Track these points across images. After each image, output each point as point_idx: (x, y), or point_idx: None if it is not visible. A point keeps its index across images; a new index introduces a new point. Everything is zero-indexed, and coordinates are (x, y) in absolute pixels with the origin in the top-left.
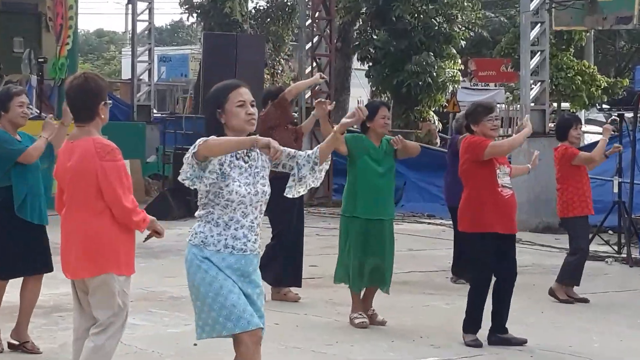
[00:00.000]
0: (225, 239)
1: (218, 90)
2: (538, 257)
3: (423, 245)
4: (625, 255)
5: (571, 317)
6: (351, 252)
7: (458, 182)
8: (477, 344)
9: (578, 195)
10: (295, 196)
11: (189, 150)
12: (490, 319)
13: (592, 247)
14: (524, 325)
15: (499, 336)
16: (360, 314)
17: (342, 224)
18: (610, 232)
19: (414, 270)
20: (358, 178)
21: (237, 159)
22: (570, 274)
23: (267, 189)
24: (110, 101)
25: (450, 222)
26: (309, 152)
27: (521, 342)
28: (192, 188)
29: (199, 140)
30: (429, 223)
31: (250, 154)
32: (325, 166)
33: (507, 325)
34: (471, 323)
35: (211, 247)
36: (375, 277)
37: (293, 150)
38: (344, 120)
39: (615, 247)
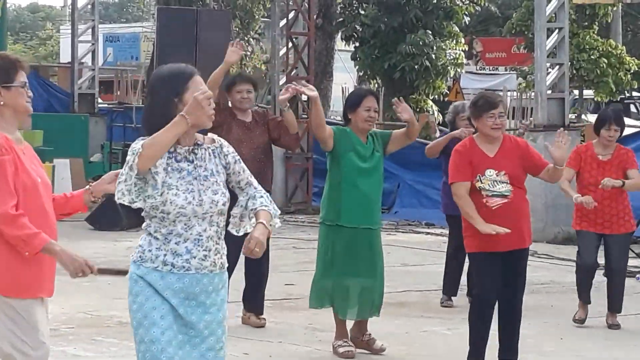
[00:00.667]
0: (165, 255)
1: (174, 75)
2: (557, 273)
3: (420, 259)
4: None
5: (596, 345)
6: (334, 269)
7: None
8: None
9: (577, 206)
10: (240, 234)
11: (126, 161)
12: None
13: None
14: (541, 355)
15: None
16: (345, 342)
17: (323, 234)
18: None
19: (409, 289)
20: (343, 179)
21: (178, 160)
22: (578, 290)
23: (221, 198)
24: (26, 86)
25: None
26: (256, 203)
27: None
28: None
29: (135, 145)
30: (427, 233)
31: (196, 152)
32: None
33: (523, 355)
34: (473, 349)
35: (148, 263)
36: (366, 302)
37: (247, 181)
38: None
39: None
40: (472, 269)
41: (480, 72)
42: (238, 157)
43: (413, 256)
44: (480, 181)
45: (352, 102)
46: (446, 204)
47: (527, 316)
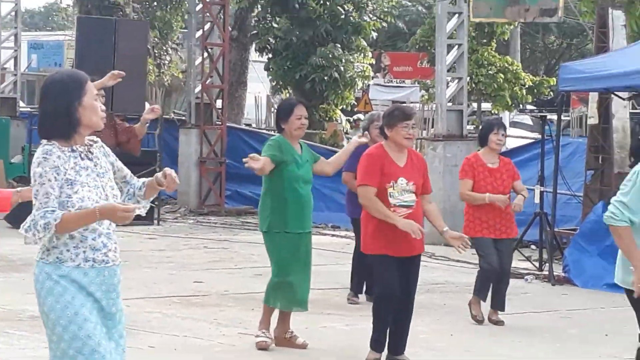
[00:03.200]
0: (84, 252)
1: (73, 81)
2: (452, 274)
3: (325, 260)
4: (547, 273)
5: (485, 341)
6: (283, 270)
7: None
8: None
9: (474, 215)
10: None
11: (36, 219)
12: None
13: (512, 264)
14: (432, 350)
15: (393, 357)
16: (264, 333)
17: (270, 242)
18: (533, 246)
19: (313, 287)
20: (286, 189)
21: (82, 158)
22: (475, 289)
23: (118, 192)
24: None
25: None
26: (139, 183)
27: None
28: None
29: (47, 217)
30: (333, 235)
31: (92, 150)
32: (148, 204)
33: (415, 349)
34: (375, 339)
35: (69, 262)
36: (302, 296)
37: (129, 174)
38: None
39: (537, 264)
40: (373, 269)
41: (387, 84)
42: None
43: (318, 257)
44: (393, 187)
45: (284, 112)
46: (350, 209)
47: (421, 314)
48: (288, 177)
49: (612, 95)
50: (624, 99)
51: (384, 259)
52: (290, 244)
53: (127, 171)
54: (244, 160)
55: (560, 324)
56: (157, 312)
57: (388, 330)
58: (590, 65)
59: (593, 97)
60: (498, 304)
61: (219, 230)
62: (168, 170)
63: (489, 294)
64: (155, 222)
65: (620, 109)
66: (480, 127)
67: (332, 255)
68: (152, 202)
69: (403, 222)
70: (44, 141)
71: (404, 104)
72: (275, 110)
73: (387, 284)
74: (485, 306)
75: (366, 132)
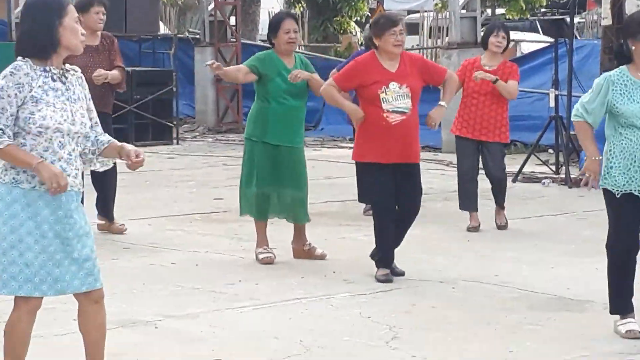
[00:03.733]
0: None
1: (55, 1)
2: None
3: (343, 172)
4: (563, 176)
5: (501, 246)
6: (256, 179)
7: None
8: (388, 279)
9: (459, 112)
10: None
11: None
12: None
13: (528, 168)
14: (450, 256)
15: None
16: (265, 249)
17: (247, 149)
18: (550, 150)
19: (330, 200)
20: (270, 100)
21: (54, 80)
22: (460, 198)
23: (88, 121)
24: None
25: None
26: (104, 138)
27: (399, 274)
28: None
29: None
30: (351, 148)
31: (66, 75)
32: (111, 163)
33: (432, 256)
34: (381, 255)
35: (25, 184)
36: (297, 211)
37: (96, 119)
38: None
39: (553, 167)
40: (358, 176)
41: None
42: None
43: (337, 170)
44: (385, 92)
45: (273, 27)
46: None
47: (438, 222)
48: (272, 89)
49: None
50: None
51: (374, 166)
52: (267, 154)
53: (95, 116)
54: (207, 63)
55: (576, 225)
56: (179, 230)
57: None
58: None
59: None
60: (497, 201)
61: (238, 148)
62: (141, 155)
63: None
64: (175, 141)
65: (634, 9)
66: (485, 29)
67: (350, 167)
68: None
69: (357, 110)
70: (19, 58)
71: (390, 12)
72: (268, 26)
73: (375, 196)
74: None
75: None
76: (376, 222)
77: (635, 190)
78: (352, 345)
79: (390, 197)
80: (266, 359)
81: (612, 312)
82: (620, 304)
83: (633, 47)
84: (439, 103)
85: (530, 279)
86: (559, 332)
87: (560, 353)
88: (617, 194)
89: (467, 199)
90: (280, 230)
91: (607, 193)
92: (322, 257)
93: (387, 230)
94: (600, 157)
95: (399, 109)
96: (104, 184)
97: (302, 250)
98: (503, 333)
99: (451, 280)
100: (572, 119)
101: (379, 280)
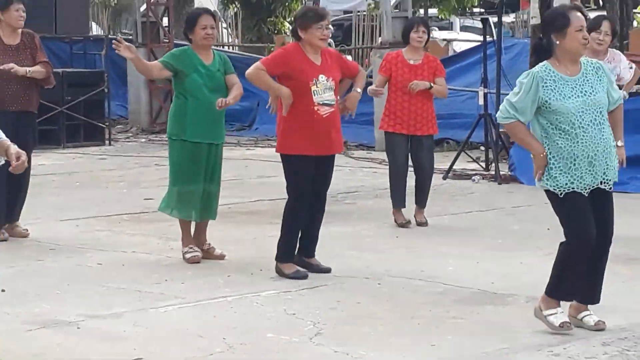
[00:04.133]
0: None
1: None
2: None
3: (275, 171)
4: (493, 172)
5: (429, 241)
6: (179, 178)
7: None
8: (302, 275)
9: (388, 109)
10: None
11: None
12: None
13: (459, 165)
14: (377, 252)
15: (304, 259)
16: (192, 248)
17: (171, 149)
18: (482, 148)
19: (262, 198)
20: (188, 97)
21: None
22: (391, 194)
23: None
24: None
25: None
26: None
27: (324, 271)
28: None
29: None
30: None
31: None
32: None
33: (360, 252)
34: (287, 251)
35: None
36: (207, 206)
37: None
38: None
39: (483, 164)
40: (285, 169)
41: None
42: None
43: (269, 169)
44: (316, 85)
45: (190, 23)
46: None
47: (368, 218)
48: (189, 86)
49: None
50: None
51: (300, 159)
52: (188, 152)
53: None
54: (113, 45)
55: (504, 221)
56: (107, 230)
57: (300, 234)
58: None
59: None
60: (421, 200)
61: None
62: (23, 156)
63: (413, 191)
64: (107, 142)
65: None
66: (405, 25)
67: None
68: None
69: (281, 88)
70: None
71: (317, 6)
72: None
73: (303, 186)
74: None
75: None
76: (291, 215)
77: (578, 189)
78: (275, 342)
79: (309, 190)
80: (188, 356)
81: (553, 295)
82: (563, 291)
83: (557, 42)
84: (355, 89)
85: (456, 274)
86: (481, 326)
87: (481, 346)
88: (560, 195)
89: (401, 195)
90: (210, 228)
91: (549, 193)
92: (220, 257)
93: (298, 222)
94: (545, 152)
95: (327, 102)
96: (15, 184)
97: (201, 250)
98: (426, 327)
99: (378, 276)
100: (500, 121)
101: (290, 277)
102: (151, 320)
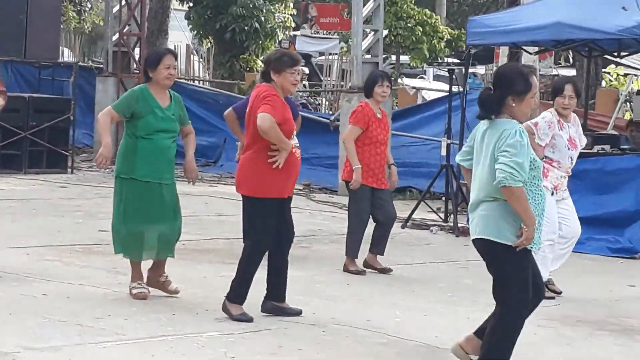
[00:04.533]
0: None
1: None
2: None
3: (235, 209)
4: (452, 224)
5: (379, 290)
6: (127, 218)
7: None
8: (247, 318)
9: (360, 161)
10: None
11: None
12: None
13: (420, 215)
14: (326, 300)
15: (275, 304)
16: (139, 284)
17: (117, 187)
18: (443, 199)
19: (218, 237)
20: (139, 137)
21: None
22: (349, 243)
23: None
24: None
25: None
26: None
27: (296, 313)
28: None
29: None
30: None
31: None
32: None
33: (310, 298)
34: (240, 293)
35: None
36: (163, 245)
37: None
38: None
39: (442, 215)
40: (255, 213)
41: (314, 35)
42: None
43: (230, 207)
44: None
45: (152, 61)
46: None
47: (322, 264)
48: (143, 126)
49: (521, 50)
50: (531, 54)
51: (272, 202)
52: (137, 191)
53: None
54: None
55: (456, 273)
56: (57, 261)
57: (270, 279)
58: (498, 19)
59: (504, 51)
60: (380, 249)
61: None
62: None
63: (370, 239)
64: (69, 170)
65: (530, 63)
66: (366, 79)
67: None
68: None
69: (289, 142)
70: None
71: (292, 51)
72: (145, 58)
73: (262, 238)
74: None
75: None
76: (253, 259)
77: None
78: None
79: (271, 237)
80: None
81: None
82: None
83: (514, 105)
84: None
85: (402, 325)
86: None
87: None
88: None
89: (358, 244)
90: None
91: (510, 251)
92: (175, 292)
93: (257, 266)
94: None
95: (297, 144)
96: None
97: (157, 281)
98: None
99: (323, 323)
100: (513, 185)
101: (236, 320)
102: (88, 356)
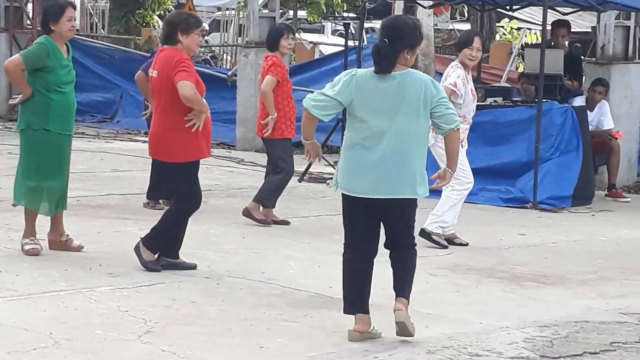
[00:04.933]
0: None
1: None
2: (257, 180)
3: (131, 165)
4: None
5: (273, 243)
6: (40, 169)
7: None
8: (155, 268)
9: (279, 117)
10: None
11: None
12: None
13: (317, 169)
14: (221, 253)
15: (169, 260)
16: (32, 240)
17: (29, 138)
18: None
19: (113, 192)
20: (50, 90)
21: None
22: (270, 194)
23: None
24: None
25: None
26: None
27: (190, 267)
28: None
29: None
30: (144, 141)
31: None
32: None
33: (204, 252)
34: (158, 244)
35: None
36: (62, 197)
37: None
38: None
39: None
40: (188, 177)
41: None
42: None
43: (126, 163)
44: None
45: (55, 13)
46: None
47: (216, 217)
48: (54, 80)
49: (416, 4)
50: (426, 7)
51: (197, 165)
52: (51, 144)
53: None
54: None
55: None
56: None
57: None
58: None
59: (399, 5)
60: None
61: None
62: None
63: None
64: None
65: (425, 17)
66: (269, 32)
67: (140, 161)
68: None
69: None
70: None
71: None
72: (43, 11)
73: (198, 197)
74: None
75: None
76: (182, 218)
77: None
78: (102, 339)
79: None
80: (11, 350)
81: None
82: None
83: (408, 57)
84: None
85: (296, 277)
86: (312, 329)
87: (309, 349)
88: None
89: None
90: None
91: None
92: (79, 249)
93: (184, 226)
94: None
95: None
96: None
97: (59, 242)
98: (258, 329)
99: (217, 275)
100: (459, 127)
101: (144, 265)
102: None
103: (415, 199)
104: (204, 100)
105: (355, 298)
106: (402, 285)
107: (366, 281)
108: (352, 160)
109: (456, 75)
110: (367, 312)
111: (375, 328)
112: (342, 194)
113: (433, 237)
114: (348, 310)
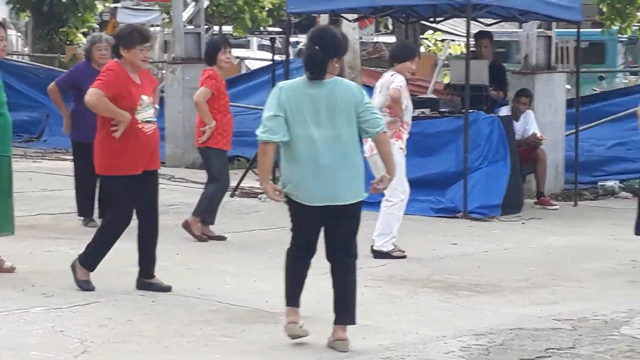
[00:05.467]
0: None
1: None
2: (188, 196)
3: (60, 184)
4: None
5: (208, 259)
6: None
7: (86, 115)
8: (89, 287)
9: (216, 129)
10: None
11: None
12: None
13: (248, 183)
14: (157, 269)
15: (145, 281)
16: None
17: None
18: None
19: (42, 212)
20: None
21: None
22: (207, 207)
23: None
24: None
25: None
26: None
27: (166, 289)
28: None
29: None
30: (73, 160)
31: None
32: None
33: (136, 269)
34: (91, 261)
35: None
36: (7, 220)
37: None
38: None
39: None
40: (111, 191)
41: (135, 7)
42: None
43: (54, 182)
44: (140, 105)
45: None
46: (76, 132)
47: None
48: None
49: (341, 17)
50: (350, 21)
51: (125, 180)
52: None
53: None
54: None
55: (286, 239)
56: None
57: (139, 256)
58: None
59: (324, 19)
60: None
61: None
62: None
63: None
64: None
65: (350, 30)
66: (206, 46)
67: (68, 180)
68: None
69: (127, 114)
70: None
71: (141, 26)
72: None
73: (126, 213)
74: None
75: None
76: (112, 232)
77: None
78: (38, 359)
79: (132, 210)
80: None
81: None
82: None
83: (336, 65)
84: (154, 105)
85: (232, 292)
86: (249, 344)
87: None
88: None
89: (215, 212)
90: None
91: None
92: (10, 270)
93: (114, 240)
94: None
95: (150, 119)
96: None
97: None
98: (195, 345)
99: (153, 293)
100: (386, 130)
101: (79, 284)
102: None
103: (360, 207)
104: (117, 110)
105: (293, 293)
106: (345, 308)
107: (303, 279)
108: (295, 171)
109: (400, 80)
110: (299, 305)
111: (305, 326)
112: (288, 198)
113: (393, 254)
114: (287, 302)
